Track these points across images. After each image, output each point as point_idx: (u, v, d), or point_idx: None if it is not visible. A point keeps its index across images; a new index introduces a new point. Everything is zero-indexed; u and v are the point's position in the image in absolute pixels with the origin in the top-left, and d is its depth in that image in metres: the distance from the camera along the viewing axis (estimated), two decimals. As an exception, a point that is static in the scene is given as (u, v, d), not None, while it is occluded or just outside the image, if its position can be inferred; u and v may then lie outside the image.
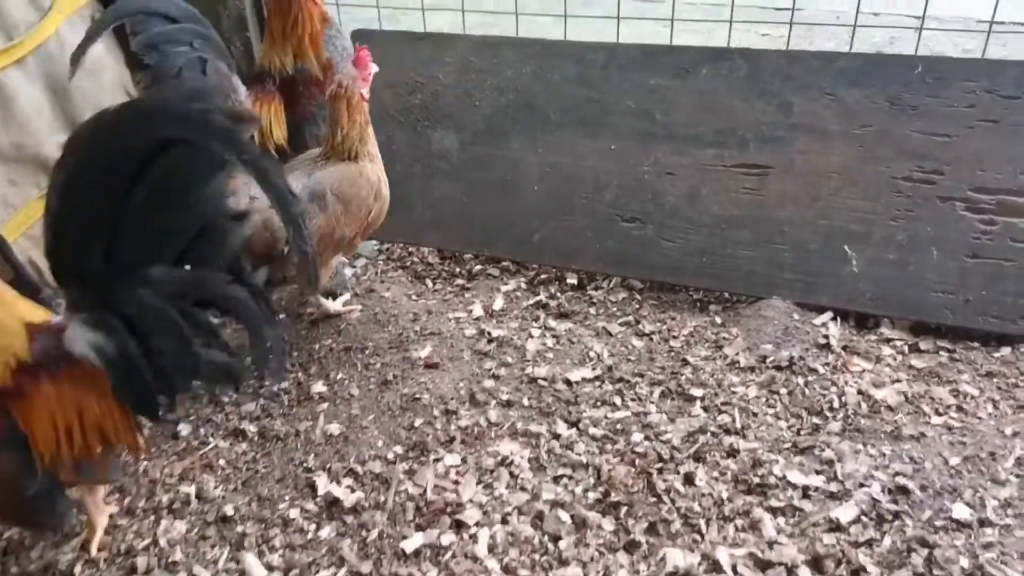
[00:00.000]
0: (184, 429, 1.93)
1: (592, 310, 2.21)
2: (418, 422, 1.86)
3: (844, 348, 1.96)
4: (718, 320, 2.11)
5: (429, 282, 2.39)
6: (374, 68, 1.98)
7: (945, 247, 2.00)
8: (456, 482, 1.69)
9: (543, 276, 2.35)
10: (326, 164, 1.97)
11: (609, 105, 2.35)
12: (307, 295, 2.21)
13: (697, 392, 1.86)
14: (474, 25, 2.63)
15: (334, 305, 2.22)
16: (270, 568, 1.57)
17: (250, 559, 1.59)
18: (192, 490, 1.75)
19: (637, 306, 2.20)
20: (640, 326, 2.12)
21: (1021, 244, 1.95)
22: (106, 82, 2.40)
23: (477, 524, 1.61)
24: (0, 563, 1.60)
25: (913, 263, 2.02)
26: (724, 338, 2.03)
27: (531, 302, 2.25)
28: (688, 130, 2.27)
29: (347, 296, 2.30)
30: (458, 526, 1.61)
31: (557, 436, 1.80)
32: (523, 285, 2.34)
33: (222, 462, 1.82)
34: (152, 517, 1.70)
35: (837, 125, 2.14)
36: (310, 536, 1.63)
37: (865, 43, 3.82)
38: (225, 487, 1.76)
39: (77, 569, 1.58)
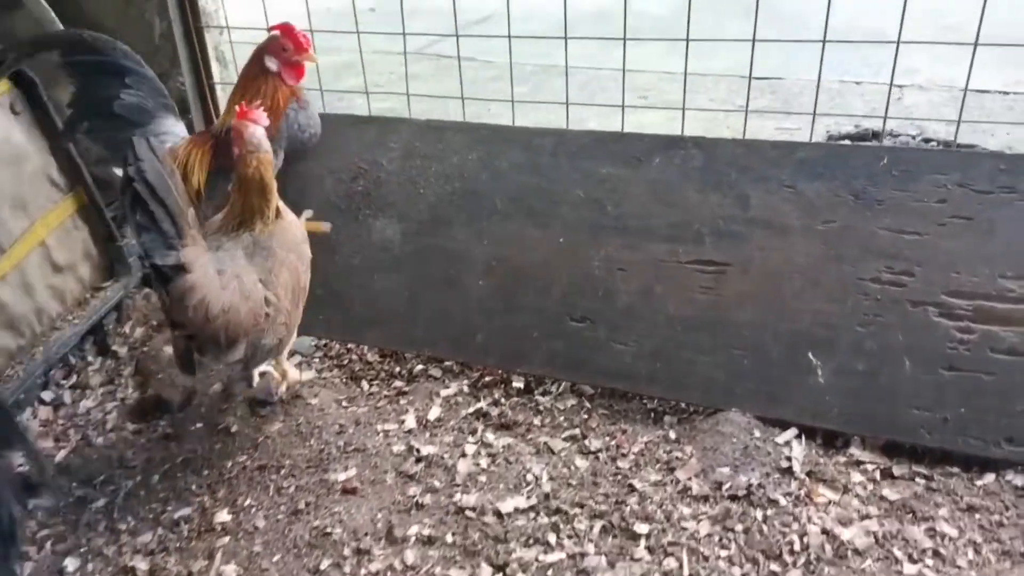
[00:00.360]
0: (70, 564, 1.72)
1: (537, 420, 2.01)
2: (325, 563, 1.65)
3: (809, 474, 1.75)
4: (672, 435, 1.91)
5: (365, 384, 2.20)
6: (259, 123, 1.84)
7: (919, 357, 1.81)
8: (359, 644, 1.48)
9: (488, 379, 2.16)
10: (248, 231, 1.83)
11: (558, 195, 2.21)
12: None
13: (642, 528, 1.64)
14: (421, 110, 2.51)
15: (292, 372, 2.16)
16: None
17: None
18: (63, 648, 1.53)
19: (586, 416, 2.01)
20: (587, 441, 1.92)
21: (1002, 355, 1.76)
22: (27, 171, 2.27)
23: None
24: None
25: (884, 375, 1.83)
26: (677, 458, 1.83)
27: (471, 410, 2.05)
28: (640, 223, 2.11)
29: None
30: None
31: (480, 582, 1.59)
32: (465, 389, 2.14)
33: (104, 609, 1.62)
34: None
35: (798, 220, 1.98)
36: None
37: (843, 112, 3.71)
38: (101, 644, 1.54)
39: None
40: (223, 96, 2.75)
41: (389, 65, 5.12)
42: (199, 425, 2.10)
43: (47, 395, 2.32)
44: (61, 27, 2.36)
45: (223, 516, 1.79)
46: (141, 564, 1.70)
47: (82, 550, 1.76)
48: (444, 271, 2.27)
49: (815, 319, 1.91)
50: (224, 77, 2.75)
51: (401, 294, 2.29)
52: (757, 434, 1.85)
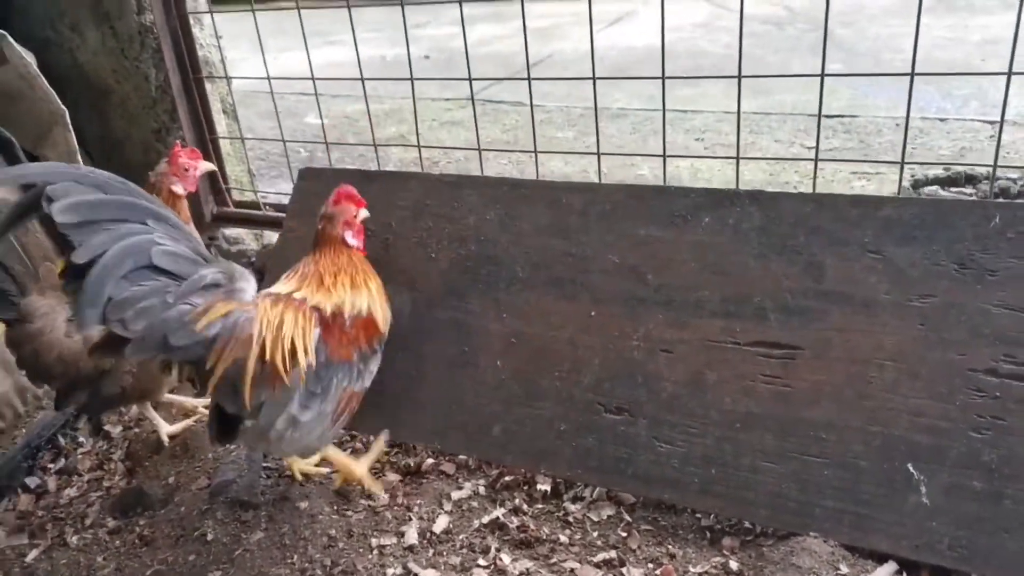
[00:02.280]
0: None
1: (565, 536, 1.66)
2: None
3: (916, 631, 1.35)
4: (733, 566, 1.53)
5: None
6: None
7: (1058, 476, 1.39)
8: None
9: (508, 479, 1.83)
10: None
11: (588, 261, 1.89)
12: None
13: None
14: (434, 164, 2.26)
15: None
16: None
17: None
18: None
19: (624, 533, 1.65)
20: (625, 569, 1.56)
21: None
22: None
23: None
24: None
25: (1009, 496, 1.42)
26: (739, 600, 1.45)
27: (486, 520, 1.73)
28: (687, 295, 1.77)
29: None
30: None
31: None
32: (481, 490, 1.82)
33: None
34: None
35: (887, 294, 1.60)
36: None
37: (929, 155, 3.29)
38: None
39: None
40: (229, 151, 2.57)
41: (433, 112, 4.97)
42: (175, 529, 1.83)
43: (32, 481, 2.13)
44: (44, 80, 2.19)
45: (181, 656, 1.50)
46: None
47: None
48: (457, 349, 1.97)
49: (914, 421, 1.51)
50: (232, 131, 2.57)
51: (408, 375, 2.00)
52: (844, 570, 1.45)
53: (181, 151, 2.04)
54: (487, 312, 1.96)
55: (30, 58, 2.12)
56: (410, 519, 1.75)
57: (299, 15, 2.23)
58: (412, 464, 1.94)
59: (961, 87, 4.11)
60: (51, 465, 2.20)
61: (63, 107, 2.18)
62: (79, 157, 2.23)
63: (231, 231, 2.57)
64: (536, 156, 2.08)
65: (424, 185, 2.16)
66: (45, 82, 2.15)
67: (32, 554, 1.89)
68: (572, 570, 1.57)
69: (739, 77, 1.79)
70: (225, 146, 2.50)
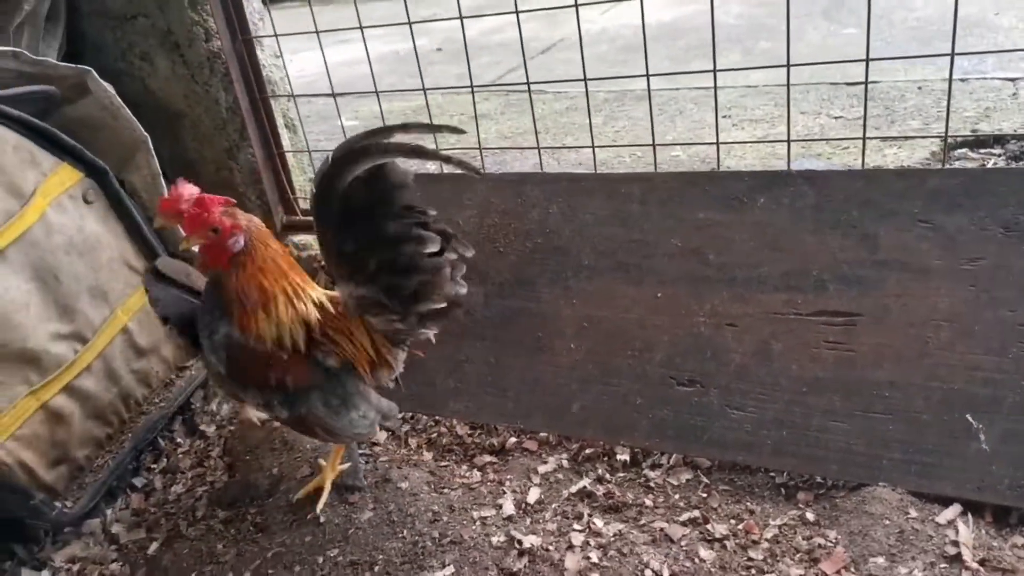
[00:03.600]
0: None
1: (649, 499, 1.82)
2: None
3: (982, 562, 1.49)
4: (810, 516, 1.68)
5: (455, 465, 2.07)
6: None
7: (1109, 417, 1.53)
8: None
9: (588, 451, 1.99)
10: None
11: (650, 245, 2.04)
12: None
13: (788, 637, 1.43)
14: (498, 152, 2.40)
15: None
16: None
17: None
18: None
19: (704, 494, 1.81)
20: (709, 526, 1.71)
21: None
22: (103, 260, 2.27)
23: None
24: None
25: (1066, 438, 1.56)
26: (820, 546, 1.60)
27: (574, 490, 1.89)
28: (749, 272, 1.91)
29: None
30: None
31: None
32: (565, 463, 1.98)
33: None
34: None
35: (939, 260, 1.74)
36: None
37: (955, 117, 3.38)
38: None
39: None
40: (293, 163, 2.72)
41: (460, 106, 5.09)
42: (287, 514, 2.01)
43: (139, 481, 2.31)
44: (127, 110, 2.34)
45: (316, 623, 1.68)
46: None
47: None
48: (531, 335, 2.12)
49: (971, 375, 1.65)
50: (295, 143, 2.72)
51: (487, 362, 2.16)
52: (913, 514, 1.60)
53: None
54: (557, 299, 2.11)
55: (111, 90, 2.28)
56: (504, 492, 1.92)
57: (312, 14, 2.36)
58: (496, 444, 2.10)
59: (976, 43, 4.17)
60: (154, 465, 2.38)
61: (145, 133, 2.34)
62: (162, 179, 2.39)
63: (299, 238, 2.73)
64: (594, 151, 2.22)
65: (488, 184, 2.31)
66: (128, 111, 2.30)
67: (153, 547, 2.07)
68: (661, 529, 1.73)
69: (788, 66, 1.92)
70: (289, 158, 2.65)
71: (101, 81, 2.25)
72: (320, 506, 1.93)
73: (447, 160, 1.58)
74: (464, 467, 2.06)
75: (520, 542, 1.76)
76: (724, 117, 4.07)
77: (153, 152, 2.37)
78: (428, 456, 2.12)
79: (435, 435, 2.19)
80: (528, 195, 2.23)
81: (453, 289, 1.67)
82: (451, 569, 1.72)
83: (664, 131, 4.03)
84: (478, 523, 1.84)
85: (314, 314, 1.67)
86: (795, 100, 4.07)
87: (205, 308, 1.69)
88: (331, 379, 1.69)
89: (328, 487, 1.97)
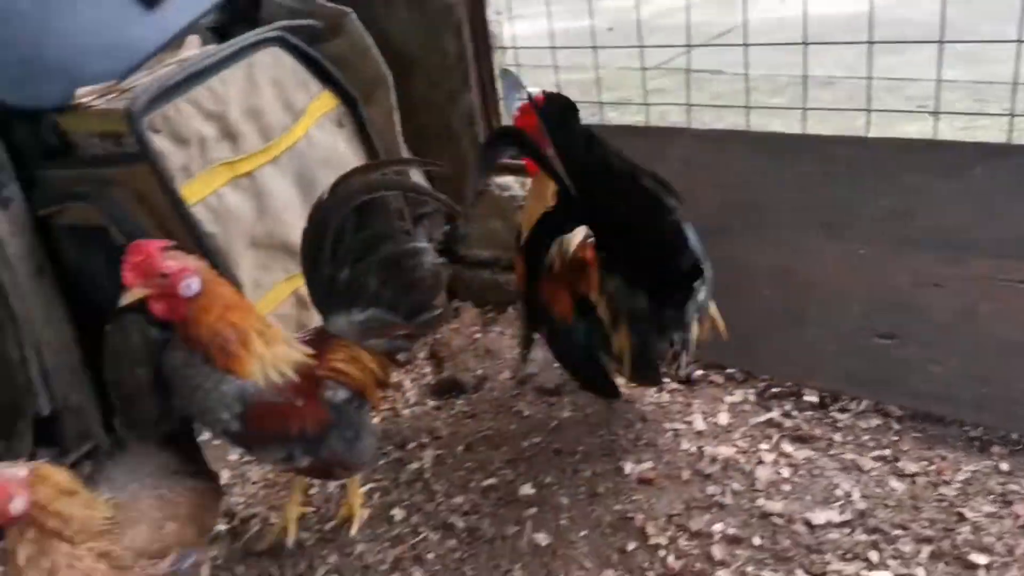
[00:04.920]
0: (397, 514, 1.97)
1: (837, 436, 1.96)
2: (631, 546, 1.74)
3: None
4: (1004, 466, 1.77)
5: (644, 388, 2.28)
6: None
7: None
8: (676, 626, 1.54)
9: (775, 389, 2.15)
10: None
11: (856, 206, 2.15)
12: None
13: (980, 559, 1.55)
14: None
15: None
16: None
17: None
18: (402, 583, 1.76)
19: (895, 438, 1.92)
20: (899, 464, 1.83)
21: None
22: (349, 175, 2.65)
23: None
24: None
25: None
26: (1014, 491, 1.69)
27: (761, 419, 2.05)
28: (959, 236, 1.99)
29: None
30: None
31: (796, 588, 1.58)
32: (751, 398, 2.15)
33: (431, 556, 1.84)
34: (363, 606, 1.73)
35: None
36: (513, 659, 1.56)
37: None
38: (432, 585, 1.75)
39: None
40: (503, 112, 3.01)
41: (635, 81, 5.27)
42: (493, 407, 2.30)
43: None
44: (376, 50, 2.71)
45: (527, 489, 1.95)
46: (459, 522, 1.90)
47: (404, 503, 2.01)
48: (724, 280, 2.28)
49: None
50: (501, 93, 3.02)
51: (683, 300, 2.35)
52: (1118, 476, 1.66)
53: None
54: (754, 250, 2.26)
55: (364, 31, 2.64)
56: (693, 412, 2.12)
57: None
58: (683, 375, 2.29)
59: None
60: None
61: (388, 72, 2.70)
62: (396, 114, 2.76)
63: (501, 179, 3.02)
64: (804, 112, 2.35)
65: (691, 139, 2.49)
66: (377, 51, 2.67)
67: (374, 420, 2.42)
68: (852, 460, 1.87)
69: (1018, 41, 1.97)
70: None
71: (358, 22, 2.62)
72: (355, 530, 1.93)
73: (435, 199, 1.88)
74: (652, 390, 2.27)
75: (713, 452, 1.95)
76: (921, 107, 4.02)
77: (393, 89, 2.73)
78: (619, 379, 2.34)
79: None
80: (732, 151, 2.40)
81: (437, 295, 1.84)
82: (649, 464, 1.94)
83: (854, 116, 4.04)
84: (670, 433, 2.05)
85: (298, 351, 1.67)
86: (997, 98, 3.97)
87: (187, 362, 1.55)
88: (342, 413, 1.70)
89: (358, 512, 1.97)
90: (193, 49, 2.27)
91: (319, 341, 1.75)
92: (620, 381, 2.05)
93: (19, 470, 1.32)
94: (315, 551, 1.92)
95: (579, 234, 1.93)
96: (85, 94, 1.96)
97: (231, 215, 2.15)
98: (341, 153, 2.63)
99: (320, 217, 1.70)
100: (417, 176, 2.78)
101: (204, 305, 1.52)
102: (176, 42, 2.21)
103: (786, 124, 2.36)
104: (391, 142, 2.72)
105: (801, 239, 2.20)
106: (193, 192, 2.02)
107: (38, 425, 2.36)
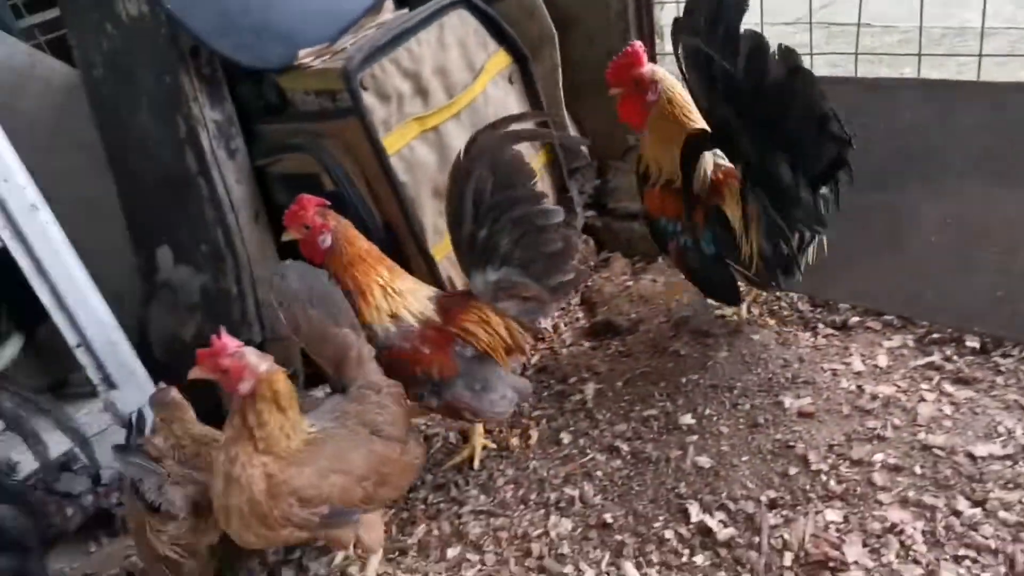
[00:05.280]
0: (565, 438, 2.20)
1: (999, 380, 2.00)
2: (792, 471, 1.88)
3: None
4: None
5: (798, 331, 2.38)
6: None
7: None
8: (840, 540, 1.68)
9: (935, 336, 2.20)
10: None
11: (1031, 153, 2.14)
12: None
13: None
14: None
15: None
16: (647, 580, 1.73)
17: (629, 568, 1.77)
18: (576, 493, 2.00)
19: (1063, 385, 1.95)
20: (1070, 409, 1.87)
21: None
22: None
23: (864, 587, 1.58)
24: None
25: None
26: None
27: (921, 362, 2.12)
28: None
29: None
30: (841, 584, 1.60)
31: (957, 513, 1.68)
32: (910, 343, 2.21)
33: (599, 473, 2.05)
34: (542, 511, 1.98)
35: None
36: (684, 560, 1.76)
37: None
38: (603, 496, 1.97)
39: (484, 542, 1.92)
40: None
41: (779, 36, 5.19)
42: (648, 347, 2.48)
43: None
44: (544, 10, 2.89)
45: (687, 419, 2.12)
46: (623, 446, 2.11)
47: (571, 429, 2.24)
48: (890, 227, 2.34)
49: None
50: (660, 49, 3.12)
51: (839, 247, 2.41)
52: None
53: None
54: (920, 197, 2.30)
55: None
56: (852, 354, 2.20)
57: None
58: (838, 321, 2.38)
59: None
60: (524, 303, 2.99)
61: (554, 31, 2.88)
62: (560, 71, 2.93)
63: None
64: (980, 60, 2.33)
65: (857, 88, 2.52)
66: (545, 10, 2.85)
67: (535, 358, 2.66)
68: (1015, 400, 1.91)
69: None
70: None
71: (531, -21, 2.80)
72: (476, 463, 2.15)
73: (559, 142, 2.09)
74: (807, 334, 2.37)
75: (872, 390, 2.05)
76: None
77: (557, 47, 2.91)
78: (771, 322, 2.46)
79: (776, 307, 2.52)
80: (900, 99, 2.42)
81: (578, 262, 1.97)
82: (808, 400, 2.06)
83: (1015, 68, 3.85)
84: (828, 373, 2.16)
85: (420, 306, 1.94)
86: None
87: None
88: (471, 367, 1.94)
89: (479, 449, 2.18)
90: (388, 13, 2.54)
91: (459, 299, 2.01)
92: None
93: (263, 362, 1.56)
94: (494, 465, 2.19)
95: (708, 156, 2.10)
96: (305, 55, 2.26)
97: (419, 166, 2.43)
98: (511, 108, 2.84)
99: (459, 174, 1.91)
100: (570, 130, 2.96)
101: (334, 258, 1.89)
102: (376, 7, 2.47)
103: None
104: (553, 98, 2.92)
105: (972, 187, 2.22)
106: (390, 144, 2.30)
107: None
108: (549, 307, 2.05)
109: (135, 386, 2.21)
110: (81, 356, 2.15)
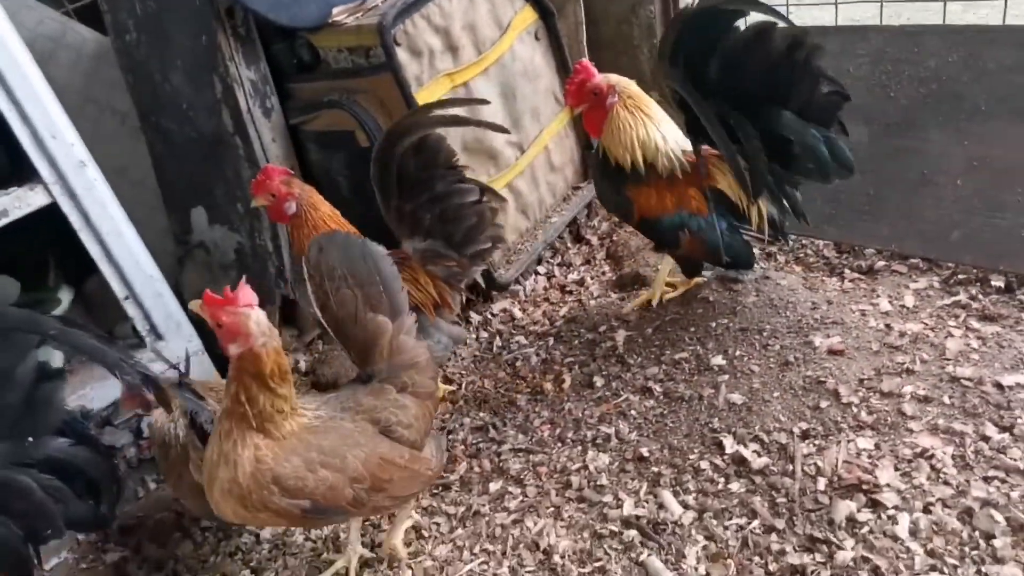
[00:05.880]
0: (598, 381, 2.28)
1: (1025, 316, 2.07)
2: (824, 404, 1.96)
3: None
4: None
5: (825, 277, 2.45)
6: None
7: None
8: (872, 465, 1.76)
9: (961, 276, 2.26)
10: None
11: (1058, 94, 2.18)
12: None
13: None
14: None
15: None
16: (685, 506, 1.82)
17: (667, 495, 1.86)
18: (611, 430, 2.09)
19: (1090, 319, 2.01)
20: (1097, 342, 1.93)
21: None
22: (541, 88, 2.93)
23: (896, 508, 1.67)
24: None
25: None
26: None
27: (947, 302, 2.19)
28: None
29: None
30: (874, 504, 1.68)
31: (986, 438, 1.76)
32: (935, 284, 2.28)
33: (633, 412, 2.14)
34: (579, 448, 2.07)
35: None
36: (720, 487, 1.84)
37: None
38: (639, 433, 2.06)
39: (525, 476, 2.01)
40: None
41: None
42: (677, 296, 2.55)
43: (541, 268, 3.01)
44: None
45: (718, 360, 2.20)
46: (655, 387, 2.19)
47: (603, 373, 2.32)
48: (915, 171, 2.40)
49: None
50: (683, 3, 3.16)
51: (864, 193, 2.48)
52: None
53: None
54: (947, 140, 2.35)
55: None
56: (879, 295, 2.27)
57: None
58: (864, 266, 2.44)
59: None
60: (552, 260, 3.06)
61: (580, -16, 2.93)
62: (584, 27, 2.99)
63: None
64: (1005, 3, 2.37)
65: (883, 36, 2.56)
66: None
67: (564, 309, 2.74)
68: (1044, 335, 1.98)
69: None
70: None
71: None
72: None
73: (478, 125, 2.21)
74: (834, 279, 2.44)
75: (900, 328, 2.12)
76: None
77: (582, 3, 2.96)
78: (798, 269, 2.53)
79: (802, 255, 2.59)
80: (927, 45, 2.46)
81: (494, 231, 2.14)
82: (837, 339, 2.14)
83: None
84: (856, 313, 2.23)
85: None
86: None
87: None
88: None
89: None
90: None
91: (397, 261, 2.00)
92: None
93: (263, 335, 1.48)
94: (531, 407, 2.28)
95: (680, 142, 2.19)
96: (338, 13, 2.33)
97: (449, 121, 2.49)
98: (537, 65, 2.90)
99: (380, 155, 2.04)
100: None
101: (296, 224, 2.07)
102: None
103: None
104: (577, 54, 2.97)
105: (999, 128, 2.27)
106: (422, 99, 2.36)
107: (283, 309, 2.88)
108: (470, 271, 2.24)
109: (181, 336, 2.31)
110: (129, 308, 2.24)
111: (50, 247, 2.47)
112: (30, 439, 1.60)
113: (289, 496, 1.51)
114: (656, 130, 2.17)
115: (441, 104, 2.17)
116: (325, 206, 2.11)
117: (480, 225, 2.17)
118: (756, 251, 2.64)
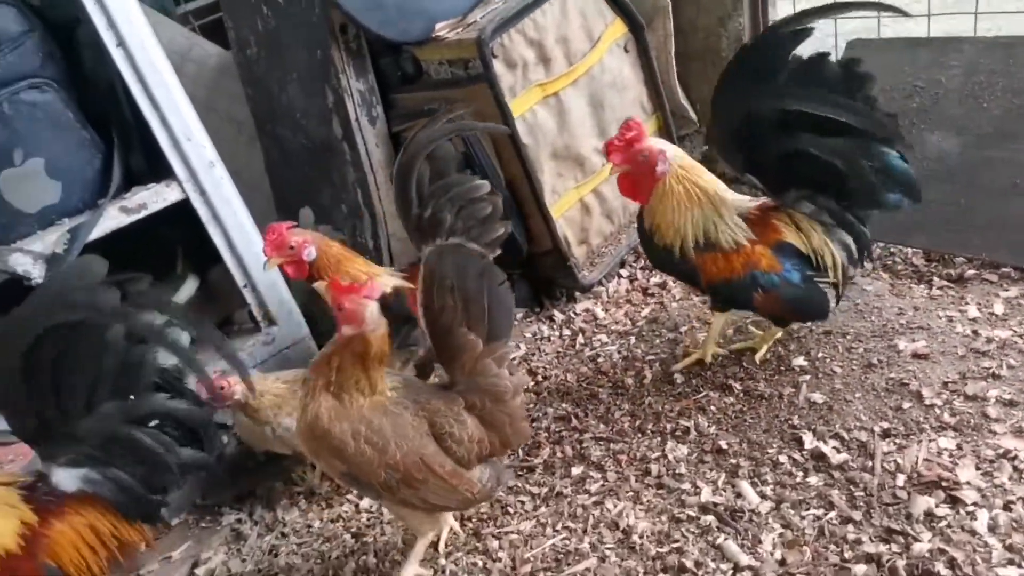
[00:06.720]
0: (679, 378, 2.39)
1: (1123, 326, 2.07)
2: (906, 405, 2.01)
3: None
4: None
5: (912, 284, 2.49)
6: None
7: None
8: (953, 463, 1.81)
9: (1055, 287, 2.27)
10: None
11: None
12: None
13: None
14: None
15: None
16: (762, 496, 1.91)
17: (745, 486, 1.95)
18: (690, 424, 2.19)
19: None
20: None
21: None
22: (628, 99, 3.08)
23: (975, 504, 1.71)
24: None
25: None
26: None
27: (1039, 311, 2.20)
28: None
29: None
30: (953, 501, 1.73)
31: (1074, 443, 1.78)
32: (1028, 293, 2.29)
33: (713, 408, 2.24)
34: (659, 438, 2.19)
35: None
36: (798, 480, 1.93)
37: None
38: (718, 427, 2.16)
39: (605, 463, 2.14)
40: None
41: None
42: (759, 300, 2.64)
43: (624, 271, 3.14)
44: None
45: (800, 361, 2.28)
46: (735, 384, 2.28)
47: (683, 370, 2.43)
48: (1008, 181, 2.42)
49: None
50: (773, 15, 3.25)
51: (954, 202, 2.51)
52: None
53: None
54: (1042, 149, 2.37)
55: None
56: (968, 303, 2.30)
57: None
58: (954, 274, 2.47)
59: None
60: (635, 264, 3.18)
61: (668, 1, 3.07)
62: (672, 39, 3.13)
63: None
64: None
65: (976, 47, 2.60)
66: (659, -21, 3.06)
67: (645, 311, 2.85)
68: None
69: None
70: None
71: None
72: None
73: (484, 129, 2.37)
74: (922, 286, 2.47)
75: (988, 334, 2.14)
76: None
77: (671, 16, 3.10)
78: (885, 276, 2.57)
79: (890, 262, 2.63)
80: (1020, 56, 2.48)
81: (503, 227, 2.26)
82: (922, 343, 2.18)
83: None
84: (943, 319, 2.27)
85: (394, 280, 2.21)
86: None
87: None
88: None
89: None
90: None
91: (414, 271, 2.11)
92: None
93: (373, 321, 1.68)
94: (611, 400, 2.41)
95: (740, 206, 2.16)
96: (440, 28, 2.55)
97: (540, 129, 2.68)
98: (626, 77, 3.06)
99: (401, 170, 2.18)
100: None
101: (321, 264, 2.14)
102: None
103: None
104: (665, 65, 3.11)
105: (1092, 139, 2.27)
106: (515, 108, 2.56)
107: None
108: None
109: (292, 323, 2.56)
110: (247, 295, 2.51)
111: (179, 240, 2.79)
112: (131, 397, 1.78)
113: (330, 454, 1.72)
114: (712, 209, 2.11)
115: (438, 119, 2.25)
116: (334, 244, 2.23)
117: (495, 213, 2.28)
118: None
